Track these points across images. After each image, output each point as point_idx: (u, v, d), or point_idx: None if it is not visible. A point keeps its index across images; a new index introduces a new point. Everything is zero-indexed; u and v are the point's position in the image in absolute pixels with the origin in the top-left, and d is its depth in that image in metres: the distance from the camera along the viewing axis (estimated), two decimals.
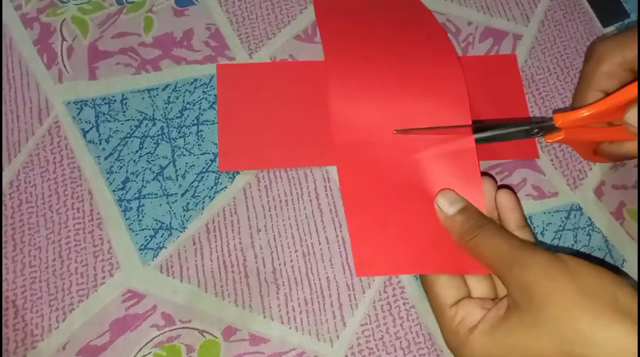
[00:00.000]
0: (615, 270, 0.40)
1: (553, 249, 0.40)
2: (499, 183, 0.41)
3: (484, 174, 0.37)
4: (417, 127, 0.38)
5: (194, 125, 0.41)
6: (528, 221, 0.40)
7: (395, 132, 0.38)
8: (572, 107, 0.40)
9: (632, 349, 0.26)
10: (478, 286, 0.35)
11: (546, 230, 0.40)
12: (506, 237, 0.32)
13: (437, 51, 0.42)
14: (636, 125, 0.34)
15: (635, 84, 0.33)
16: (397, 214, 0.37)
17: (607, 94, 0.38)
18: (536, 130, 0.37)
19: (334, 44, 0.42)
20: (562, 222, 0.41)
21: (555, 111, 0.38)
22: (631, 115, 0.34)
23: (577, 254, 0.40)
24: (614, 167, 0.42)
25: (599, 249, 0.40)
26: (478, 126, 0.38)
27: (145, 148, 0.40)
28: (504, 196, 0.37)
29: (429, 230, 0.36)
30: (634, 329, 0.26)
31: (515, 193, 0.38)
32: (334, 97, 0.40)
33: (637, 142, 0.36)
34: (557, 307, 0.28)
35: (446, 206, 0.36)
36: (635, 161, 0.43)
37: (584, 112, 0.35)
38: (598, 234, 0.41)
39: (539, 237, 0.40)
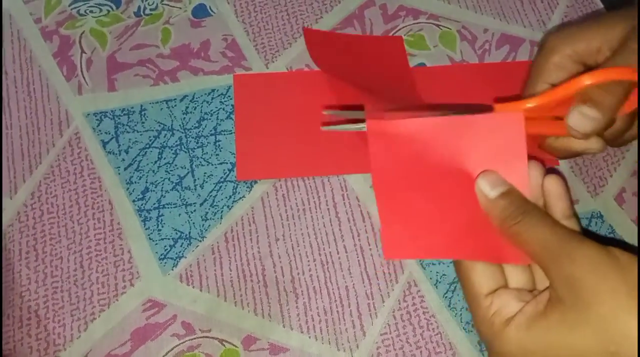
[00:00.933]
0: None
1: None
2: None
3: (530, 158, 0.35)
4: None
5: (211, 135, 0.41)
6: None
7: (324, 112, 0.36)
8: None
9: None
10: (515, 276, 0.33)
11: None
12: (553, 225, 0.30)
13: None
14: (577, 128, 0.33)
15: (580, 77, 0.32)
16: (431, 194, 0.34)
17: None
18: None
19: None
20: (583, 230, 0.40)
21: (498, 99, 0.36)
22: (572, 118, 0.33)
23: (627, 247, 0.39)
24: (634, 175, 0.42)
25: None
26: (423, 111, 0.34)
27: (164, 158, 0.41)
28: (552, 182, 0.33)
29: (467, 214, 0.33)
30: None
31: (564, 180, 0.35)
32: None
33: (574, 137, 0.35)
34: (605, 306, 0.26)
35: (487, 189, 0.32)
36: None
37: (526, 104, 0.33)
38: (619, 242, 0.40)
39: None
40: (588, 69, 0.37)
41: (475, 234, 0.33)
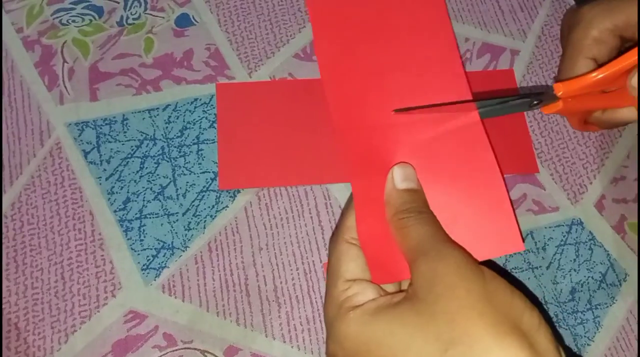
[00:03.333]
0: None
1: (555, 265, 0.40)
2: None
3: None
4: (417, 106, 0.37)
5: (194, 144, 0.41)
6: (529, 236, 0.40)
7: (394, 111, 0.37)
8: (560, 77, 0.39)
9: None
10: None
11: (548, 245, 0.40)
12: (437, 228, 0.30)
13: (432, 31, 0.42)
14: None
15: (635, 49, 0.32)
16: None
17: (597, 62, 0.37)
18: (536, 102, 0.36)
19: (325, 30, 0.42)
20: (564, 236, 0.41)
21: (556, 81, 0.37)
22: (636, 80, 0.33)
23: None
24: (613, 182, 0.42)
25: (602, 263, 0.40)
26: (479, 101, 0.37)
27: (146, 168, 0.40)
28: None
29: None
30: (529, 350, 0.24)
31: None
32: (329, 83, 0.40)
33: (632, 108, 0.36)
34: (456, 302, 0.26)
35: (398, 179, 0.33)
36: (635, 175, 0.43)
37: (587, 80, 0.33)
38: (600, 248, 0.41)
39: (541, 252, 0.40)
40: (627, 42, 0.38)
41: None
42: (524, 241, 0.36)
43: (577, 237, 0.41)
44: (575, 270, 0.40)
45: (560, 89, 0.34)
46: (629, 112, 0.37)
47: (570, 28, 0.39)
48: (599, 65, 0.37)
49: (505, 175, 0.42)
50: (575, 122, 0.41)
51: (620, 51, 0.38)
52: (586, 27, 0.37)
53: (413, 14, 0.43)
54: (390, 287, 0.32)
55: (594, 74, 0.33)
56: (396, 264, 0.32)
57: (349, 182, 0.40)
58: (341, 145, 0.37)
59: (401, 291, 0.32)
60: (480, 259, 0.31)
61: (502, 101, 0.36)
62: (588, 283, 0.40)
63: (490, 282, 0.27)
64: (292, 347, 0.37)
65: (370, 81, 0.40)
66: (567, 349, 0.38)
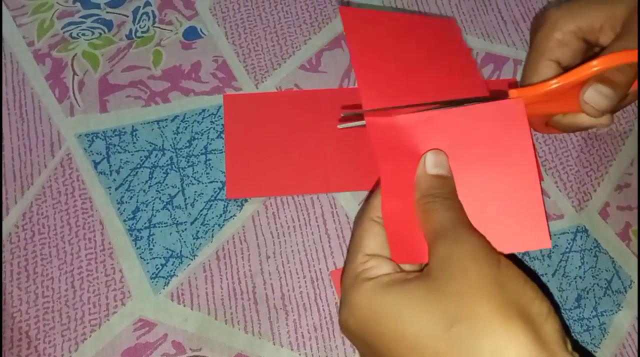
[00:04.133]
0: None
1: (560, 272, 0.40)
2: None
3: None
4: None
5: (202, 154, 0.42)
6: None
7: (339, 126, 0.35)
8: (524, 78, 0.39)
9: (524, 348, 0.24)
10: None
11: (553, 252, 0.41)
12: (461, 216, 0.30)
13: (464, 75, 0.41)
14: (594, 105, 0.34)
15: (591, 62, 0.33)
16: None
17: (561, 64, 0.37)
18: None
19: (361, 47, 0.38)
20: (569, 244, 0.41)
21: (510, 85, 0.37)
22: (589, 95, 0.33)
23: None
24: (617, 189, 0.43)
25: (607, 270, 0.41)
26: (441, 103, 0.35)
27: (155, 178, 0.41)
28: None
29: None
30: (534, 337, 0.25)
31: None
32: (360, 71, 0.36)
33: (588, 114, 0.35)
34: (467, 283, 0.26)
35: (430, 165, 0.33)
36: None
37: (543, 88, 0.33)
38: (605, 256, 0.41)
39: (546, 260, 0.40)
40: (589, 45, 0.38)
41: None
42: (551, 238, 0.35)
43: (582, 245, 0.41)
44: (580, 277, 0.40)
45: (514, 95, 0.34)
46: (586, 118, 0.37)
47: (535, 30, 0.39)
48: (563, 68, 0.37)
49: None
50: (536, 125, 0.41)
51: (586, 57, 0.38)
52: (550, 29, 0.37)
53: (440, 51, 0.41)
54: (408, 268, 0.32)
55: (552, 82, 0.33)
56: (416, 246, 0.32)
57: (354, 191, 0.41)
58: (371, 129, 0.34)
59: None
60: (505, 252, 0.30)
61: (460, 103, 0.35)
62: (594, 290, 0.40)
63: (505, 269, 0.27)
64: (299, 355, 0.37)
65: (403, 81, 0.38)
66: (576, 343, 0.38)
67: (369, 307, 0.28)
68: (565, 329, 0.38)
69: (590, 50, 0.39)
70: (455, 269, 0.27)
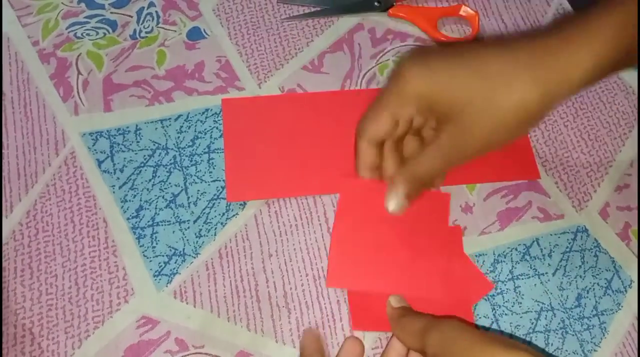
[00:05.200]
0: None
1: (561, 271, 0.41)
2: (507, 205, 0.42)
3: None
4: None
5: (205, 153, 0.42)
6: (535, 243, 0.41)
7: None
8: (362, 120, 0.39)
9: None
10: None
11: (553, 252, 0.41)
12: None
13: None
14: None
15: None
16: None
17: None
18: (376, 3, 0.45)
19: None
20: (569, 243, 0.41)
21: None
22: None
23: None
24: (617, 190, 0.43)
25: (607, 270, 0.41)
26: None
27: (158, 176, 0.41)
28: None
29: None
30: None
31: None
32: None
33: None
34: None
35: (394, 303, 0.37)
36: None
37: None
38: (605, 255, 0.41)
39: (546, 259, 0.41)
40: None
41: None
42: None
43: (582, 245, 0.41)
44: (580, 276, 0.41)
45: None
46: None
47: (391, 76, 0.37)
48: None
49: (510, 183, 0.43)
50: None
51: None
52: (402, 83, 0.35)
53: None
54: None
55: None
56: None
57: None
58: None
59: None
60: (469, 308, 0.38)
61: None
62: (594, 289, 0.40)
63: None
64: None
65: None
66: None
67: None
68: (566, 328, 0.38)
69: None
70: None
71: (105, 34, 0.46)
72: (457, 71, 0.33)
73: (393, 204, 0.37)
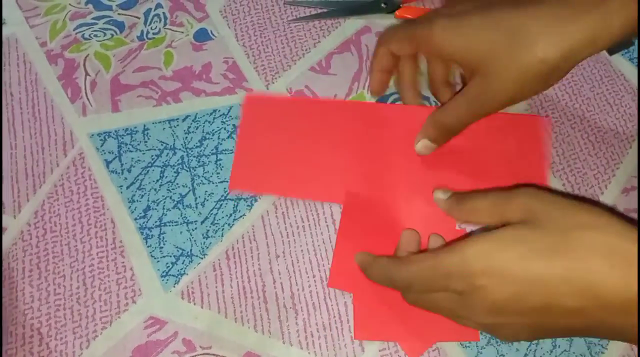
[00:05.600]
0: None
1: None
2: None
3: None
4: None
5: (212, 154, 0.42)
6: None
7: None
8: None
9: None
10: None
11: None
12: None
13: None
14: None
15: None
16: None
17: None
18: (383, 5, 0.46)
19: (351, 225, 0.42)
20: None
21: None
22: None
23: None
24: (624, 192, 0.43)
25: None
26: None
27: (166, 177, 0.41)
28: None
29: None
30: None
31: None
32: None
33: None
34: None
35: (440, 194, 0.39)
36: None
37: None
38: None
39: None
40: None
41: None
42: None
43: None
44: None
45: None
46: None
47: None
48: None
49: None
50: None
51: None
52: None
53: None
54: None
55: None
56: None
57: None
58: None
59: None
60: None
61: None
62: None
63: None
64: (309, 353, 0.37)
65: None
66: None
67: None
68: None
69: None
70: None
71: (112, 35, 0.46)
72: (482, 27, 0.35)
73: (421, 145, 0.40)
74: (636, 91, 0.46)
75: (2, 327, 0.37)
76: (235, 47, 0.46)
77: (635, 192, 0.43)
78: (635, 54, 0.47)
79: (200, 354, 0.37)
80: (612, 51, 0.47)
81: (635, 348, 0.39)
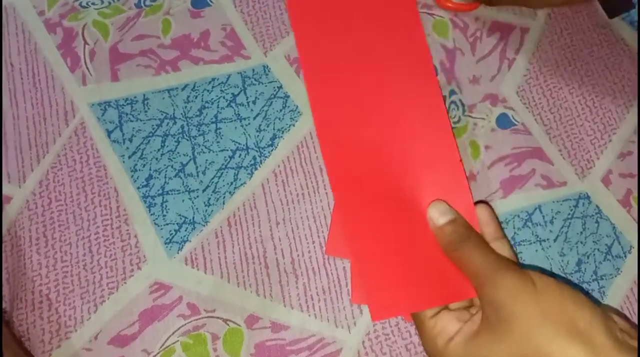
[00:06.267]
0: (583, 292, 0.41)
1: (562, 238, 0.41)
2: (510, 173, 0.43)
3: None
4: (403, 159, 0.39)
5: (212, 123, 0.43)
6: (537, 210, 0.42)
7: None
8: None
9: None
10: None
11: (555, 218, 0.42)
12: (484, 253, 0.34)
13: (409, 46, 0.42)
14: None
15: None
16: (398, 255, 0.38)
17: None
18: None
19: (308, 42, 0.42)
20: (571, 210, 0.42)
21: None
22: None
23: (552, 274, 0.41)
24: (620, 157, 0.44)
25: (607, 236, 0.42)
26: None
27: (167, 146, 0.42)
28: (480, 210, 0.38)
29: (427, 265, 0.37)
30: (587, 350, 0.29)
31: (490, 207, 0.39)
32: (324, 140, 0.40)
33: None
34: (520, 326, 0.30)
35: (436, 216, 0.37)
36: None
37: None
38: (606, 222, 0.42)
39: (548, 225, 0.42)
40: None
41: (431, 279, 0.37)
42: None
43: (584, 211, 0.42)
44: (581, 242, 0.41)
45: None
46: None
47: None
48: None
49: (514, 151, 0.43)
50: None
51: None
52: None
53: (390, 29, 0.42)
54: (460, 303, 0.37)
55: None
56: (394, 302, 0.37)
57: None
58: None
59: (471, 306, 0.37)
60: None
61: None
62: (594, 255, 0.41)
63: (542, 294, 0.31)
64: (309, 315, 0.39)
65: (361, 131, 0.40)
66: (626, 319, 0.40)
67: None
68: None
69: None
70: (504, 314, 0.31)
71: (110, 2, 0.45)
72: None
73: None
74: (636, 56, 0.46)
75: (0, 299, 0.38)
76: (233, 14, 0.46)
77: (631, 157, 0.44)
78: (636, 18, 0.47)
79: (205, 317, 0.38)
80: (611, 13, 0.46)
81: (626, 310, 0.40)
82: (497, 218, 0.39)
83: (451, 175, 0.39)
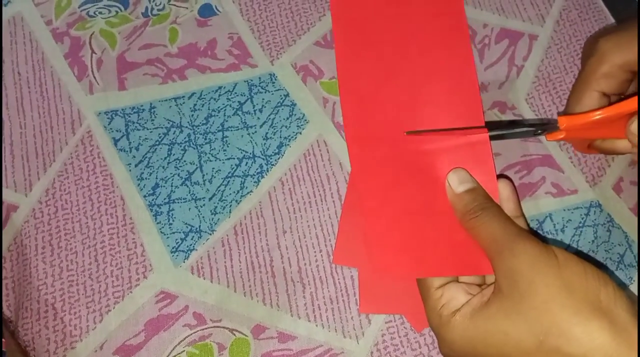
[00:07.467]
0: (603, 268, 0.40)
1: (574, 247, 0.41)
2: (520, 181, 0.42)
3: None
4: (428, 128, 0.38)
5: (219, 131, 0.43)
6: (548, 218, 0.41)
7: (406, 133, 0.38)
8: (568, 104, 0.40)
9: (605, 346, 0.27)
10: None
11: (566, 227, 0.41)
12: (504, 222, 0.32)
13: (453, 53, 0.42)
14: (637, 135, 0.34)
15: (636, 97, 0.34)
16: (410, 218, 0.37)
17: (606, 93, 0.38)
18: (540, 131, 0.38)
19: (347, 38, 0.41)
20: (582, 218, 0.41)
21: (560, 114, 0.39)
22: (635, 127, 0.34)
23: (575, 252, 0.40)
24: (631, 165, 0.43)
25: (620, 245, 0.41)
26: (488, 125, 0.38)
27: (174, 154, 0.42)
28: (501, 186, 0.37)
29: (440, 233, 0.36)
30: (610, 328, 0.27)
31: (512, 182, 0.38)
32: (346, 95, 0.40)
33: (629, 140, 0.36)
34: (538, 298, 0.29)
35: (455, 183, 0.36)
36: None
37: (588, 118, 0.35)
38: (618, 230, 0.41)
39: (559, 234, 0.41)
40: (635, 75, 0.39)
41: (445, 250, 0.36)
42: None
43: (595, 219, 0.42)
44: (593, 251, 0.41)
45: (563, 123, 0.36)
46: (627, 144, 0.38)
47: (585, 59, 0.40)
48: (608, 96, 0.38)
49: (524, 159, 0.42)
50: (577, 146, 0.43)
51: (631, 88, 0.40)
52: (598, 61, 0.38)
53: (433, 23, 0.42)
54: (471, 277, 0.35)
55: (596, 113, 0.35)
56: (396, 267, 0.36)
57: None
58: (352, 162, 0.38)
59: (482, 284, 0.35)
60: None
61: (511, 127, 0.39)
62: (606, 264, 0.41)
63: (564, 268, 0.29)
64: (316, 325, 0.38)
65: (386, 96, 0.40)
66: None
67: (464, 341, 0.31)
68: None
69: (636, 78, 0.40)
70: (522, 285, 0.29)
71: (117, 12, 0.46)
72: None
73: None
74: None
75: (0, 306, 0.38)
76: (240, 23, 0.46)
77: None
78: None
79: (211, 327, 0.38)
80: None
81: None
82: (517, 196, 0.37)
83: (476, 146, 0.38)
